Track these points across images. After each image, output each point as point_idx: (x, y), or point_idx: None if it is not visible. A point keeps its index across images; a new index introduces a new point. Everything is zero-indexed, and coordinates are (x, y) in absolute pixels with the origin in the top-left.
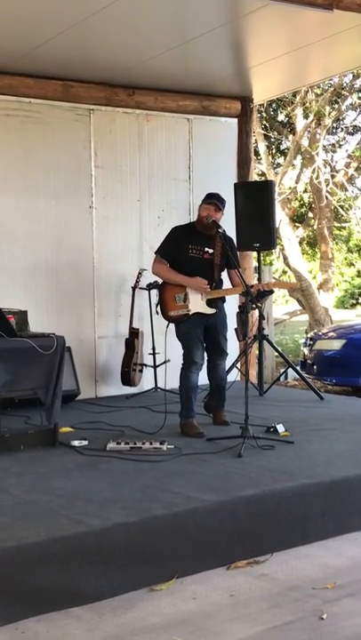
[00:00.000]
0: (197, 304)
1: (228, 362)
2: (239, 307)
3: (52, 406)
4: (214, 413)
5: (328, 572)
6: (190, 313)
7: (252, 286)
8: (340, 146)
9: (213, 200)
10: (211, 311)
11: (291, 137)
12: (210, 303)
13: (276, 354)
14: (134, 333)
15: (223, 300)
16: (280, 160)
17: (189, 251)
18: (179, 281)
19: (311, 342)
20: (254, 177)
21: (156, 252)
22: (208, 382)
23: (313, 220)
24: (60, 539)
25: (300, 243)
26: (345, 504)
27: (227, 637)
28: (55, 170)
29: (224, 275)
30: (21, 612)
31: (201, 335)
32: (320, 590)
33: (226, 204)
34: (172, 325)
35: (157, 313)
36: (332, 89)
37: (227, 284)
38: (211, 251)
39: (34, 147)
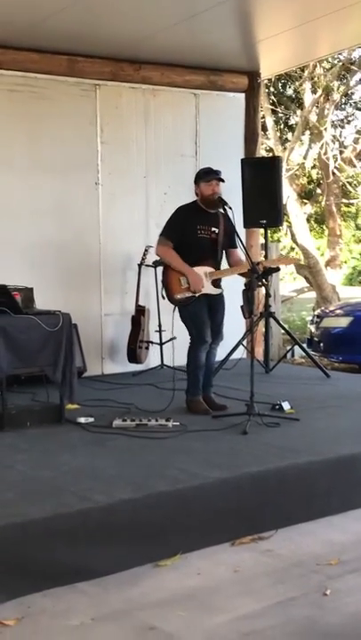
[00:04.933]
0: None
1: (235, 340)
2: (245, 284)
3: (71, 385)
4: (207, 401)
5: (332, 548)
6: (197, 295)
7: (257, 264)
8: (348, 121)
9: (212, 175)
10: (217, 291)
11: (299, 112)
12: (214, 283)
13: (283, 331)
14: (140, 311)
15: (220, 280)
16: (288, 135)
17: (198, 231)
18: (181, 270)
19: (318, 320)
20: (262, 152)
21: (161, 235)
22: None
23: (321, 197)
24: (66, 515)
25: (308, 219)
26: (350, 481)
27: (231, 612)
28: (61, 146)
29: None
30: (27, 587)
31: (207, 314)
32: (324, 566)
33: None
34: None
35: (163, 297)
36: (340, 64)
37: (223, 263)
38: (216, 230)
39: (39, 122)
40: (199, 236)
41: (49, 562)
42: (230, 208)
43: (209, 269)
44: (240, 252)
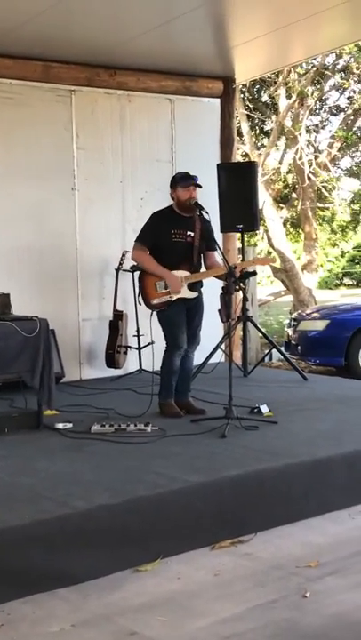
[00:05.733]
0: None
1: (212, 344)
2: (222, 288)
3: (49, 391)
4: (186, 406)
5: (311, 550)
6: (173, 299)
7: (234, 267)
8: (323, 126)
9: (190, 181)
10: (193, 295)
11: (274, 117)
12: (191, 287)
13: (261, 335)
14: (118, 315)
15: (201, 284)
16: (264, 141)
17: (172, 236)
18: (157, 273)
19: (295, 323)
20: (237, 158)
21: (136, 240)
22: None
23: (297, 201)
24: (45, 521)
25: (284, 224)
26: (328, 483)
27: (211, 616)
28: (37, 151)
29: None
30: (7, 594)
31: (184, 319)
32: (303, 569)
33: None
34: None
35: (140, 303)
36: (314, 69)
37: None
38: (192, 234)
39: (15, 128)
40: (174, 241)
41: (28, 568)
42: (207, 213)
43: (185, 273)
44: (217, 255)
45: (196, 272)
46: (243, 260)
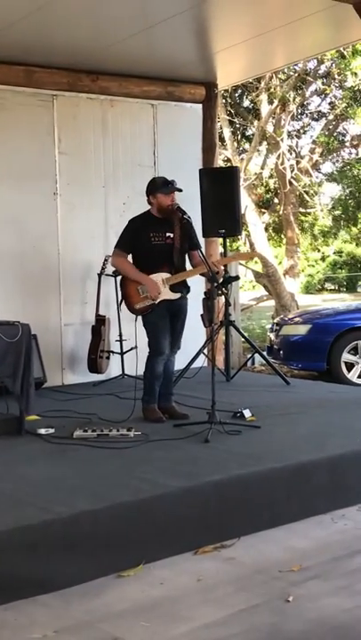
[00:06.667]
0: (161, 292)
1: (195, 348)
2: (205, 293)
3: (27, 396)
4: (168, 411)
5: (294, 554)
6: (156, 302)
7: (216, 272)
8: (304, 132)
9: (171, 187)
10: (176, 296)
11: (256, 123)
12: (173, 288)
13: (243, 339)
14: (101, 320)
15: (188, 289)
16: (246, 146)
17: (151, 239)
18: (136, 278)
19: (277, 328)
20: (220, 163)
21: (115, 247)
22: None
23: (279, 206)
24: (27, 527)
25: (266, 229)
26: (310, 487)
27: (194, 622)
28: (19, 156)
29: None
30: None
31: (168, 324)
32: (286, 573)
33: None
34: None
35: (120, 310)
36: (296, 74)
37: (188, 266)
38: (171, 235)
39: None
40: (154, 243)
41: (10, 575)
42: (189, 218)
43: (165, 275)
44: (200, 254)
45: (180, 272)
46: (225, 265)
